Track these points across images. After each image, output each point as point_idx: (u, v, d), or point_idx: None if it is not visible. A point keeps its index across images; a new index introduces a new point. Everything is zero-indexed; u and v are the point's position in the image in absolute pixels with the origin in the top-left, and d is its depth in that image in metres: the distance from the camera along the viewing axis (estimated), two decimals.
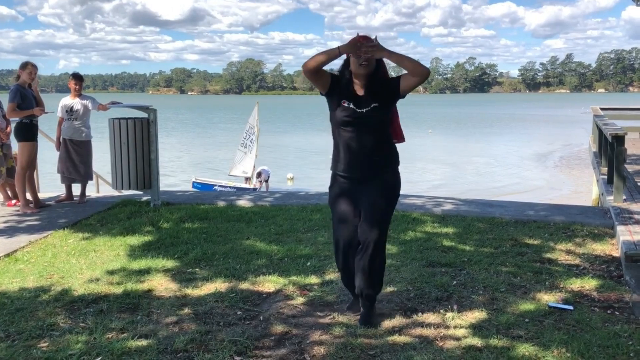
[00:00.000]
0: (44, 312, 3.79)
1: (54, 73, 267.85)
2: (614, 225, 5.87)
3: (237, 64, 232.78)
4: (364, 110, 3.40)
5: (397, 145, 3.64)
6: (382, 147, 3.49)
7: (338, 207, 3.58)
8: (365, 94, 3.42)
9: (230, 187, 19.34)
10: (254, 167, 20.73)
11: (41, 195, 7.72)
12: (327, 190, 3.68)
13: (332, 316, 3.71)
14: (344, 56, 3.43)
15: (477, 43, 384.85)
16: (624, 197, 7.06)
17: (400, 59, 3.34)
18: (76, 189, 7.72)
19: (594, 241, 5.49)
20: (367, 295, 3.57)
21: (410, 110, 77.60)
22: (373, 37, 3.36)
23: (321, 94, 3.55)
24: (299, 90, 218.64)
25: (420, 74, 3.33)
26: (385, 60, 3.46)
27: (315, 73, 3.42)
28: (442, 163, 27.96)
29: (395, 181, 3.56)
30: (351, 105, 3.41)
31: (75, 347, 3.25)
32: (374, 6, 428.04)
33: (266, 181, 20.28)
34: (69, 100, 7.51)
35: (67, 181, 7.60)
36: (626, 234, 5.38)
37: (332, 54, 3.35)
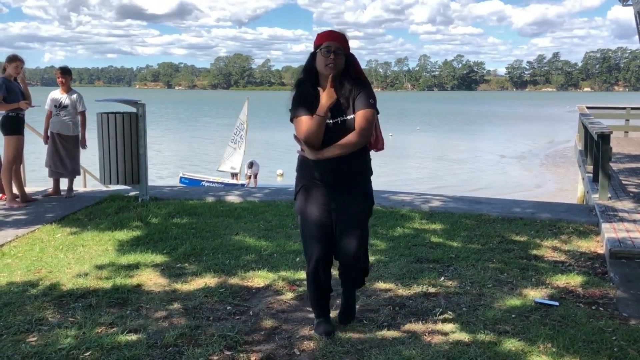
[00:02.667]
0: (32, 306, 3.78)
1: (39, 66, 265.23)
2: (599, 222, 5.95)
3: (225, 59, 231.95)
4: (332, 122, 3.11)
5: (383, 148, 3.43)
6: (355, 155, 3.15)
7: (310, 215, 3.25)
8: (336, 101, 3.09)
9: (217, 182, 19.29)
10: (241, 163, 20.72)
11: (28, 189, 7.66)
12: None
13: None
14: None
15: (465, 41, 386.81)
16: (609, 195, 7.16)
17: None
18: (63, 183, 7.67)
19: (579, 238, 5.56)
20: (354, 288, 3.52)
21: (398, 106, 77.75)
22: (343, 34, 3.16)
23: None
24: (287, 86, 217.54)
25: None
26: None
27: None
28: (430, 160, 28.09)
29: (370, 189, 3.32)
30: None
31: (65, 341, 3.25)
32: (362, 2, 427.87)
33: (255, 176, 20.25)
34: (57, 94, 7.43)
35: (55, 175, 7.54)
36: (611, 231, 5.46)
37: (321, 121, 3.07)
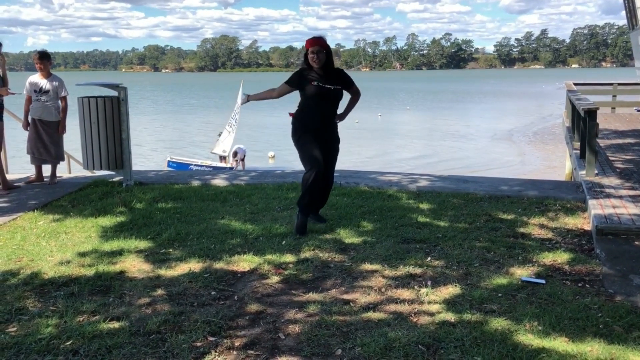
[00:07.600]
0: (12, 295, 3.71)
1: (23, 51, 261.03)
2: (586, 199, 5.95)
3: (212, 41, 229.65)
4: (330, 87, 4.89)
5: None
6: (336, 110, 5.06)
7: (314, 145, 4.92)
8: (324, 77, 4.89)
9: (206, 166, 19.15)
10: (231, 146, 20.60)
11: (10, 176, 7.53)
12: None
13: (307, 295, 3.70)
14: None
15: (453, 19, 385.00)
16: (596, 172, 7.16)
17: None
18: (46, 169, 7.54)
19: (566, 215, 5.55)
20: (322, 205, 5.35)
21: (387, 86, 77.47)
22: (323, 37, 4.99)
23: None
24: (275, 67, 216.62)
25: None
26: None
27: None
28: (417, 139, 28.05)
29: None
30: (319, 84, 4.88)
31: (45, 331, 3.19)
32: None
33: (242, 160, 20.14)
34: (37, 79, 7.23)
35: (37, 162, 7.39)
36: (597, 207, 5.46)
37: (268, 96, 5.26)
